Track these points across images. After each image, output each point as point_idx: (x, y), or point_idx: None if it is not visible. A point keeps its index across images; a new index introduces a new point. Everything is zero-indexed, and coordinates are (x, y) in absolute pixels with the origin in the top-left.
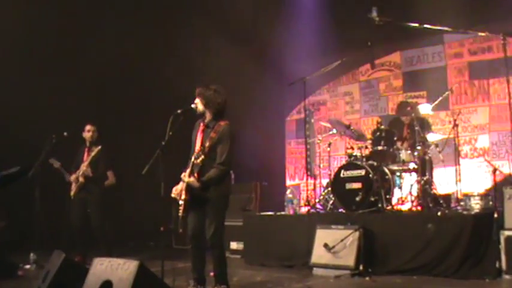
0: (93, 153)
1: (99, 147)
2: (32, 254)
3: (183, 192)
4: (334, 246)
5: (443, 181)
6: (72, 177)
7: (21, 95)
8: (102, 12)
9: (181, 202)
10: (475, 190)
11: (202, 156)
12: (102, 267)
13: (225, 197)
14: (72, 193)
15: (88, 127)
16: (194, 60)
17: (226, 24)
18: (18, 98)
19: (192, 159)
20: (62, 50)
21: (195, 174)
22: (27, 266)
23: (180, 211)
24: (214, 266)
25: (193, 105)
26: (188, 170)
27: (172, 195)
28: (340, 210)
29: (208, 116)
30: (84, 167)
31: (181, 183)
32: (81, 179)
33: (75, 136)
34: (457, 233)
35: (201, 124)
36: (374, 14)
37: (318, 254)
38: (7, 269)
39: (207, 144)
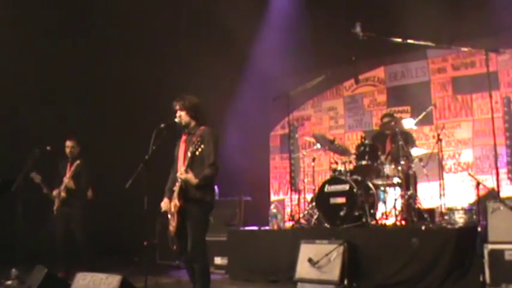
0: (73, 168)
1: (78, 161)
2: (13, 270)
3: (176, 199)
4: (318, 261)
5: (427, 195)
6: (55, 192)
7: (3, 107)
8: (86, 24)
9: (169, 216)
10: (459, 204)
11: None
12: (84, 282)
13: (207, 211)
14: (54, 208)
15: (67, 143)
16: (177, 74)
17: (210, 38)
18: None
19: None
20: (45, 64)
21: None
22: (9, 282)
23: (172, 225)
24: (196, 281)
25: (176, 119)
26: (183, 168)
27: (163, 209)
28: (324, 225)
29: (191, 125)
30: (66, 179)
31: (168, 197)
32: (62, 194)
33: (58, 150)
34: (441, 247)
35: (183, 135)
36: (358, 29)
37: (303, 269)
38: None
39: (191, 149)
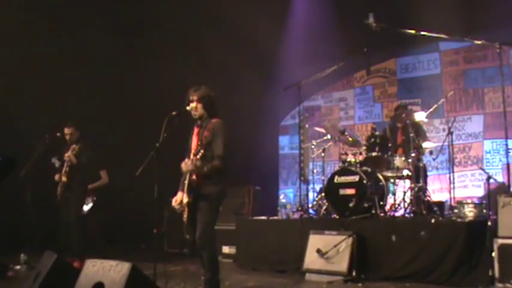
0: (74, 152)
1: (77, 146)
2: (22, 255)
3: (185, 196)
4: (327, 251)
5: (437, 188)
6: (56, 177)
7: (14, 95)
8: (95, 11)
9: (178, 207)
10: (469, 198)
11: (202, 151)
12: (94, 268)
13: (217, 199)
14: (58, 194)
15: (66, 130)
16: (188, 63)
17: (222, 27)
18: (11, 98)
19: (191, 156)
20: (54, 50)
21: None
22: (18, 267)
23: (185, 216)
24: (205, 270)
25: (188, 108)
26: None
27: (174, 205)
28: (333, 215)
29: (204, 118)
30: (67, 157)
31: (179, 193)
32: (64, 178)
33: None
34: (450, 240)
35: (195, 128)
36: (371, 20)
37: (311, 260)
38: None
39: (203, 142)
